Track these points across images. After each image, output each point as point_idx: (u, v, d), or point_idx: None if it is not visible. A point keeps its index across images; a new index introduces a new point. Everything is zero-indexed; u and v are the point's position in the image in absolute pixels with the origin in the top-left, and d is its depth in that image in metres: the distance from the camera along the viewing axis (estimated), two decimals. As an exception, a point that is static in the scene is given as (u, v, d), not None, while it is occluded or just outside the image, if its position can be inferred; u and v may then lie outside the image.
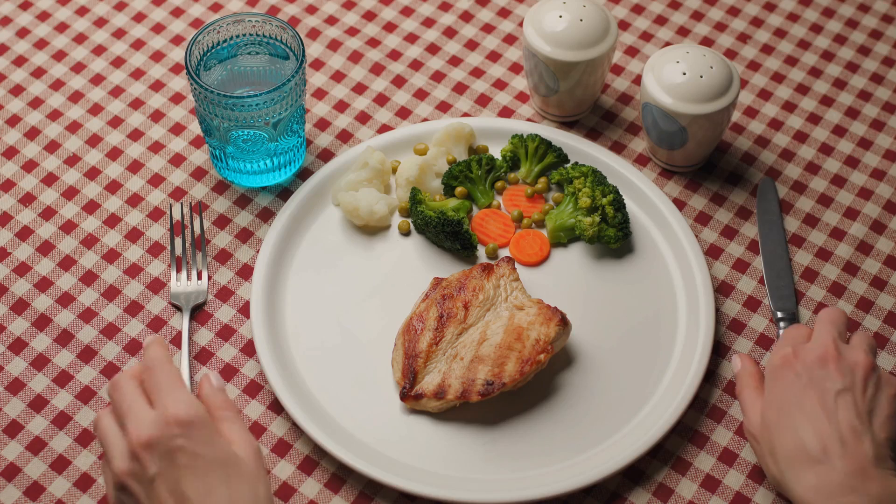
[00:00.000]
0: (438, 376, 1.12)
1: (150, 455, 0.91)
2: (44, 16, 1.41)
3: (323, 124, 1.33)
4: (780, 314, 1.19)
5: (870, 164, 1.31)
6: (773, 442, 1.02)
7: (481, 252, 1.24)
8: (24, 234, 1.25)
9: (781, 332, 1.18)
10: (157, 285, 1.22)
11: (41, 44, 1.39)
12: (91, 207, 1.26)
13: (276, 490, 1.11)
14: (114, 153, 1.30)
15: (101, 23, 1.41)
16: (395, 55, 1.39)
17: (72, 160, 1.30)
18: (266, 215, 1.26)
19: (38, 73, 1.36)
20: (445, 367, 1.13)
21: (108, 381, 1.16)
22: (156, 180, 1.28)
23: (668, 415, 1.12)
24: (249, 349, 1.18)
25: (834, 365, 1.02)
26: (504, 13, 1.43)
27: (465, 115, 1.34)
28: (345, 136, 1.32)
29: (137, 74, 1.36)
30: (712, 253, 1.25)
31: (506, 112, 1.34)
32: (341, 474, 1.12)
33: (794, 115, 1.35)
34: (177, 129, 1.32)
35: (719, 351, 1.19)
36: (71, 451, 1.12)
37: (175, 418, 0.92)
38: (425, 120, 1.34)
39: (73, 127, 1.32)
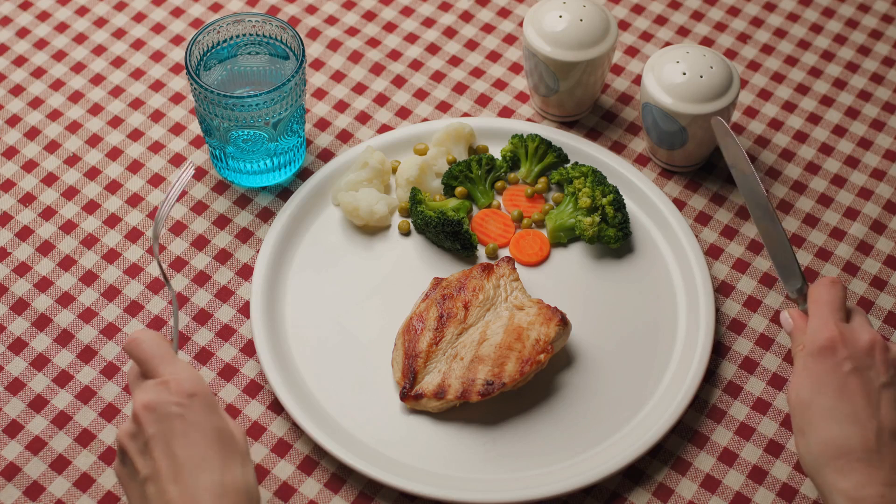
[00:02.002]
0: (438, 376, 1.12)
1: (149, 416, 0.95)
2: (44, 16, 1.41)
3: (323, 124, 1.33)
4: (793, 294, 1.10)
5: (870, 164, 1.31)
6: (805, 423, 0.99)
7: (481, 252, 1.24)
8: (24, 234, 1.25)
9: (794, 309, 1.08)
10: (157, 285, 1.21)
11: (41, 44, 1.39)
12: (91, 207, 1.26)
13: (276, 490, 1.11)
14: (114, 153, 1.30)
15: (101, 23, 1.40)
16: (395, 55, 1.39)
17: (72, 160, 1.30)
18: (266, 215, 1.26)
19: (38, 73, 1.36)
20: (445, 367, 1.13)
21: (107, 381, 1.16)
22: (156, 180, 1.28)
23: (668, 415, 1.12)
24: (249, 349, 1.18)
25: (881, 356, 1.00)
26: (504, 13, 1.43)
27: (465, 115, 1.34)
28: (345, 136, 1.32)
29: (137, 74, 1.36)
30: (712, 253, 1.25)
31: (506, 112, 1.34)
32: (341, 474, 1.12)
33: (794, 115, 1.35)
34: (177, 129, 1.32)
35: (719, 351, 1.19)
36: (71, 451, 1.12)
37: (178, 388, 0.96)
38: (425, 120, 1.34)
39: (73, 127, 1.32)
